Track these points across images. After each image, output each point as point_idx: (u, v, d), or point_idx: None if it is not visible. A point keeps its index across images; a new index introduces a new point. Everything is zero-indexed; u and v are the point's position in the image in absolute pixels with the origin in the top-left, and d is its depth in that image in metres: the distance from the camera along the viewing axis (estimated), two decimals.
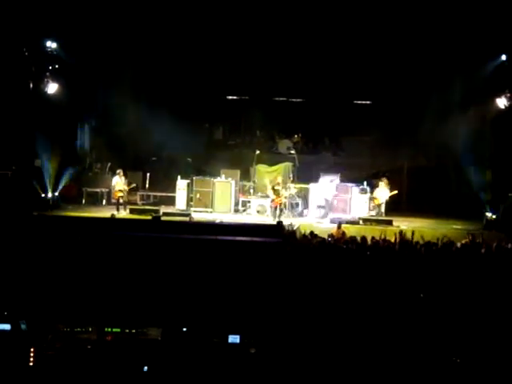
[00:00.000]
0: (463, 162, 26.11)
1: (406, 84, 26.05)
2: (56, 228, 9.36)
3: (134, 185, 25.00)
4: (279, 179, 24.64)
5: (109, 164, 27.09)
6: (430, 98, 25.33)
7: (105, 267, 8.37)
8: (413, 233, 14.26)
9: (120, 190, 24.38)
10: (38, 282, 8.83)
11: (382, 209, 24.46)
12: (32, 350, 8.25)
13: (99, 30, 24.40)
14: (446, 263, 12.11)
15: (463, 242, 16.25)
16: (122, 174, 24.68)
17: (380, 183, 24.68)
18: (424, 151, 27.92)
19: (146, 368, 8.14)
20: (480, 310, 9.91)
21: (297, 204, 25.10)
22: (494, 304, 10.07)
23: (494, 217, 23.81)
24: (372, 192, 24.82)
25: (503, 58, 24.61)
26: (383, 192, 24.46)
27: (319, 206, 24.65)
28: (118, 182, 24.49)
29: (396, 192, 24.41)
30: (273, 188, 24.33)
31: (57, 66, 24.92)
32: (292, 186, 25.07)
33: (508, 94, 24.75)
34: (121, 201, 24.41)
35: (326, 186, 24.93)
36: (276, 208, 24.11)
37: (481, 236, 17.94)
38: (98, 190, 26.46)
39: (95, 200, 26.34)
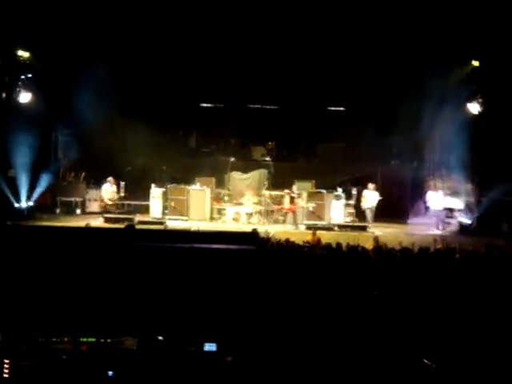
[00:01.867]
0: (438, 166, 26.30)
1: (379, 90, 26.19)
2: (30, 238, 9.30)
3: (122, 194, 24.89)
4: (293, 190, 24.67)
5: (83, 173, 26.95)
6: (404, 101, 25.44)
7: (80, 277, 8.32)
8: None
9: (110, 199, 24.31)
10: (13, 293, 8.76)
11: (371, 214, 24.37)
12: (7, 361, 8.18)
13: (71, 38, 24.31)
14: (421, 268, 12.20)
15: (438, 247, 16.38)
16: (112, 181, 24.57)
17: (368, 187, 24.60)
18: (398, 156, 28.06)
19: (110, 373, 8.09)
20: (453, 313, 9.98)
21: (272, 211, 25.12)
22: (468, 307, 10.15)
23: (468, 222, 23.94)
24: (359, 198, 24.80)
25: (475, 63, 24.80)
26: (371, 197, 24.41)
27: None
28: (108, 190, 24.40)
29: (381, 198, 24.47)
30: (290, 196, 24.37)
31: (29, 76, 24.81)
32: (267, 193, 25.11)
33: (480, 100, 24.95)
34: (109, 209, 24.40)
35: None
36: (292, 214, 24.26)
37: (456, 241, 18.10)
38: (72, 199, 26.31)
39: (69, 209, 26.18)
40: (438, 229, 23.88)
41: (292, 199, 24.45)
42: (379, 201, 24.49)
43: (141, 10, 24.55)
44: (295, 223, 24.11)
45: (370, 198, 24.42)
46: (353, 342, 9.23)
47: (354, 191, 25.06)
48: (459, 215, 24.19)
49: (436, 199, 24.87)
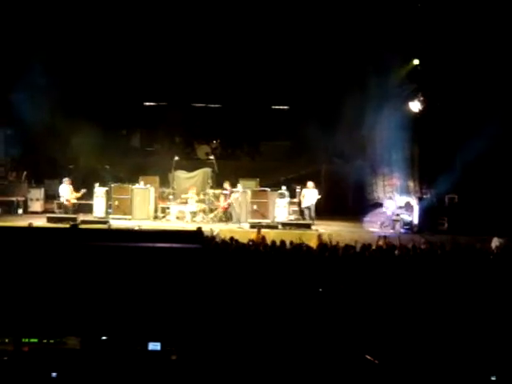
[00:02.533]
0: (380, 165, 26.60)
1: (322, 88, 26.37)
2: None
3: (84, 190, 24.60)
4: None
5: (25, 172, 26.65)
6: (346, 100, 25.67)
7: (21, 276, 8.24)
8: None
9: (67, 199, 24.04)
10: None
11: (311, 213, 24.46)
12: None
13: (11, 34, 24.00)
14: (363, 265, 12.35)
15: (379, 244, 16.59)
16: (68, 181, 24.29)
17: (306, 186, 24.71)
18: (341, 154, 28.31)
19: (54, 374, 8.02)
20: (394, 309, 10.13)
21: (216, 209, 25.15)
22: (409, 303, 10.31)
23: (409, 219, 24.23)
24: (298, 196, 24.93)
25: (416, 61, 25.12)
26: (311, 195, 24.52)
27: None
28: (67, 190, 24.13)
29: (319, 197, 24.57)
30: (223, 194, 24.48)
31: None
32: (211, 191, 25.14)
33: (421, 98, 25.29)
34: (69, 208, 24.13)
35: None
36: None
37: (397, 238, 18.34)
38: (13, 198, 25.97)
39: (11, 209, 25.84)
40: (380, 226, 24.08)
41: (225, 197, 24.55)
42: (320, 199, 24.63)
43: (83, 6, 24.33)
44: (238, 221, 24.14)
45: (309, 196, 24.54)
46: (297, 338, 9.31)
47: (298, 189, 25.16)
48: (401, 212, 24.43)
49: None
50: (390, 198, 25.72)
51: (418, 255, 14.35)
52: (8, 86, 25.25)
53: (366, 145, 26.77)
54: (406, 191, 25.76)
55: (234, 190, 24.66)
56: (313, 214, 24.41)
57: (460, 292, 10.85)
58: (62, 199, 24.24)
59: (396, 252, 14.35)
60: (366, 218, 24.99)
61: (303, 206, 24.54)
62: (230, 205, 24.56)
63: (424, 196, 25.24)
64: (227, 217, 24.79)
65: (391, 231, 23.13)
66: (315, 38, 24.91)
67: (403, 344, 9.24)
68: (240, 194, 24.45)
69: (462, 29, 23.31)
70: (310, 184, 24.70)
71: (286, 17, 24.54)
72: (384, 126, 25.77)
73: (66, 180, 24.42)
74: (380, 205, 25.25)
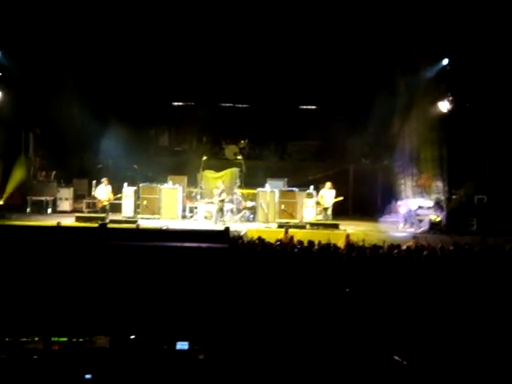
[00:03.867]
0: (408, 165, 26.45)
1: (350, 87, 26.28)
2: (0, 237, 9.25)
3: (119, 195, 24.68)
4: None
5: (54, 172, 26.81)
6: (374, 100, 25.58)
7: (51, 275, 8.29)
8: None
9: (105, 199, 24.07)
10: None
11: (329, 212, 24.51)
12: None
13: (41, 36, 24.16)
14: (391, 265, 12.29)
15: (408, 244, 16.51)
16: (107, 182, 24.30)
17: (325, 187, 24.70)
18: (369, 154, 28.22)
19: (88, 376, 8.07)
20: (423, 310, 10.07)
21: (244, 209, 25.17)
22: (437, 305, 10.24)
23: (438, 219, 24.08)
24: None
25: (445, 61, 24.96)
26: (328, 196, 24.52)
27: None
28: (103, 191, 24.17)
29: (342, 198, 24.47)
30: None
31: (0, 74, 24.64)
32: (238, 191, 25.17)
33: (450, 98, 25.11)
34: (106, 208, 24.19)
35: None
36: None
37: (425, 239, 18.24)
38: (42, 198, 26.12)
39: (40, 209, 26.01)
40: (409, 227, 23.96)
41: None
42: (345, 199, 24.58)
43: (114, 8, 24.43)
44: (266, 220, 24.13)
45: (328, 196, 24.47)
46: (325, 339, 9.29)
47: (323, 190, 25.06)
48: (429, 213, 24.29)
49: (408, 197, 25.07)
50: (408, 197, 25.57)
51: (446, 256, 14.25)
52: (38, 87, 25.42)
53: (394, 145, 26.63)
54: (434, 191, 25.59)
55: (222, 190, 24.48)
56: (329, 214, 24.38)
57: (488, 293, 10.77)
58: (101, 198, 24.19)
59: (425, 253, 14.25)
60: (394, 218, 24.91)
61: (325, 205, 24.46)
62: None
63: (453, 196, 25.06)
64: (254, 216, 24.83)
65: (419, 231, 23.01)
66: (344, 38, 24.82)
67: (431, 345, 9.19)
68: (268, 194, 24.49)
69: (491, 27, 23.11)
70: (328, 184, 24.63)
71: (315, 16, 24.46)
72: (413, 125, 25.63)
73: (104, 180, 24.39)
74: (402, 204, 25.10)
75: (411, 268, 12.28)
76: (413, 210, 24.41)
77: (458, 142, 25.08)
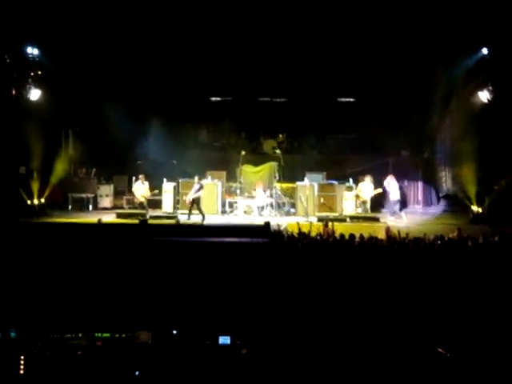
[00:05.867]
0: (448, 156, 26.23)
1: (388, 80, 26.11)
2: (43, 234, 9.33)
3: (156, 191, 24.77)
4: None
5: (94, 169, 26.98)
6: (413, 92, 25.37)
7: (94, 272, 8.35)
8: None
9: (142, 196, 24.17)
10: (27, 290, 8.78)
11: (368, 206, 24.44)
12: (22, 357, 8.21)
13: (81, 34, 24.34)
14: (434, 258, 12.19)
15: (450, 236, 16.36)
16: (144, 179, 24.39)
17: (364, 180, 24.62)
18: (409, 146, 28.01)
19: (137, 372, 8.11)
20: (470, 303, 9.96)
21: (283, 203, 25.14)
22: (484, 297, 10.13)
23: (479, 211, 23.87)
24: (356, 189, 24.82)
25: (485, 51, 24.66)
26: (368, 189, 24.42)
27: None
28: (140, 187, 24.27)
29: (381, 190, 24.36)
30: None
31: (39, 73, 24.85)
32: (277, 185, 25.14)
33: (490, 88, 24.81)
34: (144, 205, 24.26)
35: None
36: None
37: (467, 230, 18.05)
38: (83, 195, 26.28)
39: (81, 206, 26.18)
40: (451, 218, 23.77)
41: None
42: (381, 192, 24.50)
43: (150, 4, 24.53)
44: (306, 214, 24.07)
45: (366, 190, 24.37)
46: (367, 332, 9.24)
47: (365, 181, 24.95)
48: (470, 204, 24.10)
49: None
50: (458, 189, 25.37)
51: (491, 247, 14.09)
52: (77, 85, 25.61)
53: (434, 137, 26.39)
54: (475, 183, 25.32)
55: (202, 183, 24.29)
56: (367, 207, 24.28)
57: None
58: (138, 194, 24.27)
59: (469, 243, 14.11)
60: (434, 210, 24.75)
61: (365, 198, 24.39)
62: (194, 200, 23.93)
63: (494, 187, 24.78)
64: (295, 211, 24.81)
65: (460, 222, 22.81)
66: (381, 30, 24.65)
67: (475, 337, 9.09)
68: (307, 188, 24.45)
69: None
70: (367, 178, 24.55)
71: (352, 8, 24.33)
72: (453, 117, 25.38)
73: (141, 176, 24.48)
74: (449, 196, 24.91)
75: (456, 259, 12.15)
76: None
77: (499, 133, 24.77)
